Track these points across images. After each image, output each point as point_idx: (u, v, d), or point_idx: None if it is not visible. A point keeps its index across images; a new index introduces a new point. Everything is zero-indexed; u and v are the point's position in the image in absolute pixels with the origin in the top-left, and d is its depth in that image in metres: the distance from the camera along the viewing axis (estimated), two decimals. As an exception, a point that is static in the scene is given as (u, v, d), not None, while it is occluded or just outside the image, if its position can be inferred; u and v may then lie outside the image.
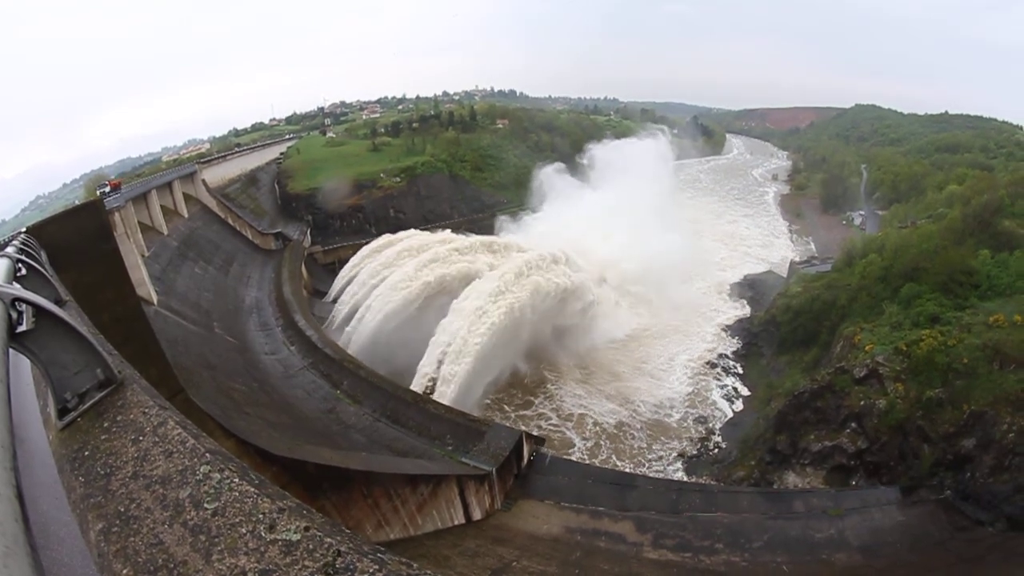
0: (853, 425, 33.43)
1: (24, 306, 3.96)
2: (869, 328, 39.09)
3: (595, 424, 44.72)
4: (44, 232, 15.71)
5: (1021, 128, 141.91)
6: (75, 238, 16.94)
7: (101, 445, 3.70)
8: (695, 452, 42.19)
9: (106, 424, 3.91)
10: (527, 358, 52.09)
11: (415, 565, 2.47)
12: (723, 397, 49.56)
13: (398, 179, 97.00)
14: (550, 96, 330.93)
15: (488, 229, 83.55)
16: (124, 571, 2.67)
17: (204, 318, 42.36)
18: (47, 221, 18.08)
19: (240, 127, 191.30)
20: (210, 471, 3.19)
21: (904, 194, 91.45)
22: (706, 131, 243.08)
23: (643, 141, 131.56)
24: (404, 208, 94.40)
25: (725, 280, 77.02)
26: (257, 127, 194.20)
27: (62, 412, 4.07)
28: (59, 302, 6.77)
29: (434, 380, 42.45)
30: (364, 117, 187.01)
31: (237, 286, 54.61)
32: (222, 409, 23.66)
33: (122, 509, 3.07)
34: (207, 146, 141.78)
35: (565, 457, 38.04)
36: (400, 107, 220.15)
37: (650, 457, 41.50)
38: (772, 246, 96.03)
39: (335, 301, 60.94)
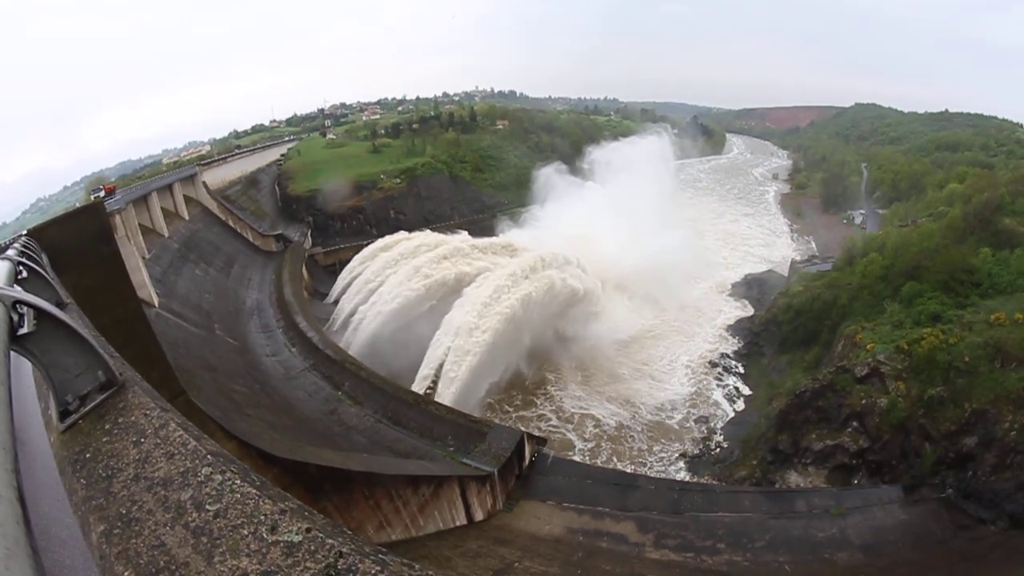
0: (855, 424, 33.41)
1: (25, 309, 3.97)
2: (870, 327, 39.05)
3: (596, 426, 44.68)
4: (45, 235, 15.75)
5: (1021, 126, 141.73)
6: (76, 241, 16.98)
7: (102, 447, 3.70)
8: (697, 452, 42.15)
9: (107, 426, 3.91)
10: (528, 359, 52.06)
11: (417, 566, 2.47)
12: (724, 397, 49.51)
13: (398, 180, 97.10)
14: (550, 96, 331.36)
15: (489, 230, 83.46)
16: (126, 573, 2.67)
17: (205, 320, 42.36)
18: (48, 224, 18.12)
19: (240, 129, 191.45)
20: (212, 473, 3.19)
21: (904, 193, 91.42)
22: (706, 131, 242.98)
23: (643, 141, 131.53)
24: (404, 209, 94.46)
25: (726, 279, 77.03)
26: (257, 129, 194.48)
27: (63, 414, 4.08)
28: (60, 304, 6.77)
29: (435, 381, 42.44)
30: (364, 118, 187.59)
31: (238, 288, 54.62)
32: (223, 411, 23.66)
33: (124, 511, 3.07)
34: (207, 148, 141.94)
35: (566, 458, 38.05)
36: (400, 108, 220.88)
37: (651, 459, 41.45)
38: (773, 245, 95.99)
39: (336, 302, 61.01)
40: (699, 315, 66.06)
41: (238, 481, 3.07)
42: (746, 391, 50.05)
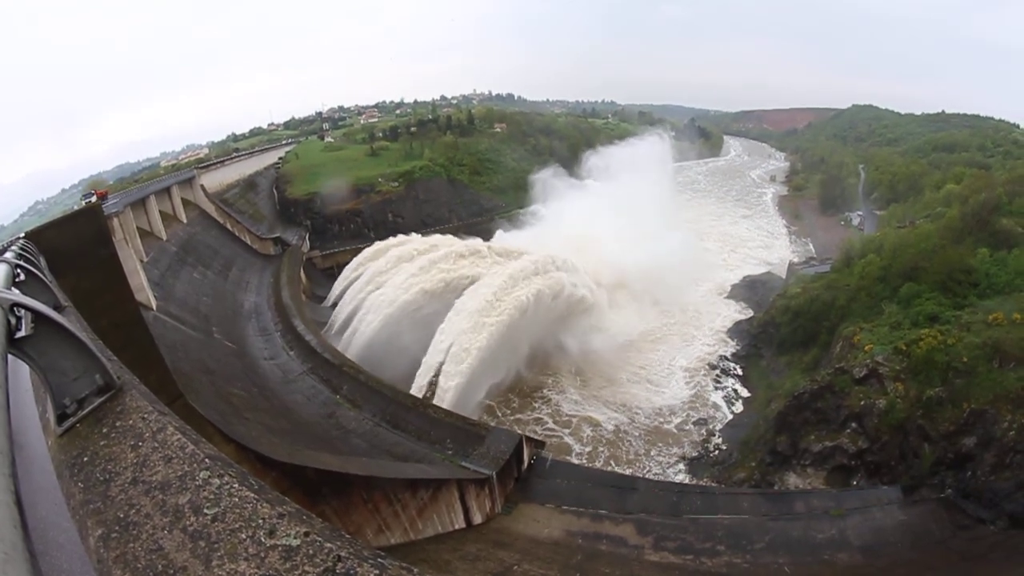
0: (853, 425, 33.43)
1: (23, 312, 3.96)
2: (868, 328, 39.11)
3: (593, 430, 44.62)
4: (43, 237, 15.74)
5: (1018, 127, 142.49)
6: (74, 243, 16.98)
7: (100, 451, 3.69)
8: (696, 454, 42.15)
9: (105, 430, 3.90)
10: (525, 363, 52.10)
11: (415, 570, 2.46)
12: (723, 399, 49.52)
13: (396, 183, 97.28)
14: (548, 99, 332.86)
15: (487, 233, 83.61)
16: (123, 577, 2.66)
17: (203, 323, 42.31)
18: (46, 226, 18.11)
19: (239, 132, 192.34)
20: (209, 476, 3.18)
21: (902, 194, 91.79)
22: (704, 133, 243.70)
23: (642, 144, 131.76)
24: (402, 212, 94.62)
25: (725, 282, 77.11)
26: (256, 132, 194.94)
27: (61, 418, 4.07)
28: (58, 308, 6.76)
29: (434, 384, 42.41)
30: (362, 122, 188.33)
31: (236, 291, 54.57)
32: (221, 414, 23.63)
33: (121, 515, 3.06)
34: (206, 151, 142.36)
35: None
36: (398, 111, 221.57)
37: (649, 463, 41.38)
38: (771, 247, 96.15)
39: (334, 306, 60.99)
40: (698, 317, 66.09)
41: (236, 485, 3.07)
42: (745, 393, 50.07)
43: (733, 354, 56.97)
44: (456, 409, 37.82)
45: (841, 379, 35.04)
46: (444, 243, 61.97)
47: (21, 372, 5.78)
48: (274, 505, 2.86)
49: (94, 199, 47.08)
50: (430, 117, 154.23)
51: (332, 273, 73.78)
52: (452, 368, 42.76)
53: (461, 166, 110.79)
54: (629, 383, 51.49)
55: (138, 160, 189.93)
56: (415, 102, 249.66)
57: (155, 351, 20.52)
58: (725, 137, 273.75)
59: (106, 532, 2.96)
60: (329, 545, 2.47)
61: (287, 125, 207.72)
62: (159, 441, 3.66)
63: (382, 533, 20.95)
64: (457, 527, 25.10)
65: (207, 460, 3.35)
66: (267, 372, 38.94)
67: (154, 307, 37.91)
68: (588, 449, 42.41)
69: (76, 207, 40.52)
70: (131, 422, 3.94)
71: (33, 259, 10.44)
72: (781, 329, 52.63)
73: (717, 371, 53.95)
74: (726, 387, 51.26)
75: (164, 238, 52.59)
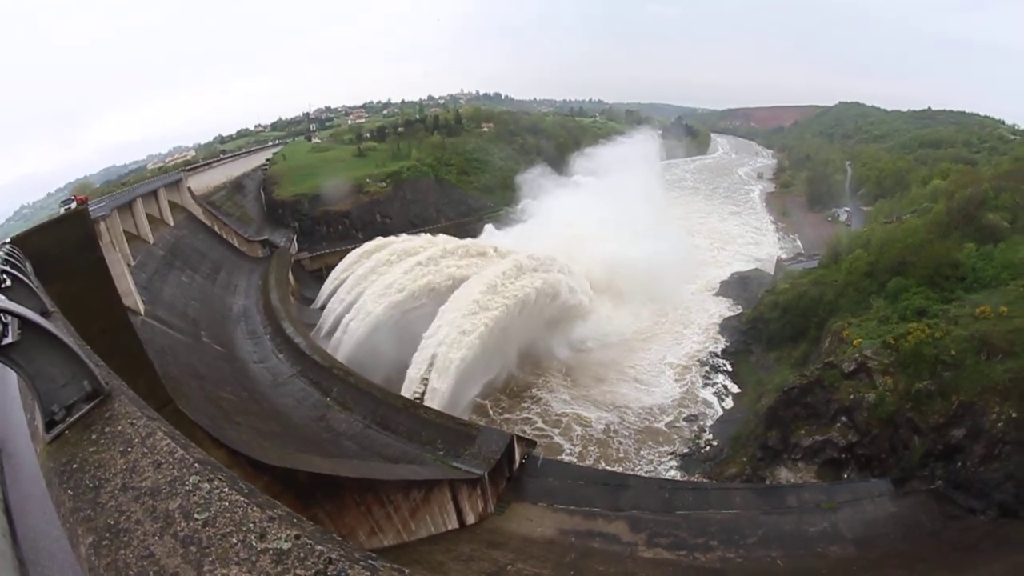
0: (843, 419, 33.60)
1: (9, 318, 3.94)
2: (857, 323, 39.30)
3: (583, 429, 44.57)
4: (29, 242, 15.63)
5: (1003, 123, 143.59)
6: (60, 248, 16.86)
7: (89, 457, 3.68)
8: (687, 450, 42.27)
9: (94, 436, 3.89)
10: (515, 363, 52.12)
11: (407, 571, 2.46)
12: (713, 395, 49.68)
13: (384, 184, 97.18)
14: (535, 99, 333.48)
15: (475, 233, 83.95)
16: (115, 584, 2.66)
17: (192, 327, 42.08)
18: (32, 231, 17.98)
19: (226, 134, 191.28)
20: (199, 481, 3.18)
21: (889, 190, 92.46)
22: (691, 131, 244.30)
23: (630, 142, 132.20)
24: (390, 213, 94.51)
25: (714, 278, 77.33)
26: (243, 133, 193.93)
27: (49, 425, 4.05)
28: (45, 313, 6.73)
29: (424, 385, 42.33)
30: (349, 122, 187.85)
31: (224, 294, 54.30)
32: (211, 419, 23.52)
33: (112, 522, 3.05)
34: (192, 153, 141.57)
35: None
36: (385, 112, 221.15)
37: (640, 461, 41.40)
38: (759, 244, 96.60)
39: (323, 308, 60.77)
40: (687, 314, 66.28)
41: (226, 489, 3.06)
42: (735, 389, 50.26)
43: (723, 350, 57.16)
44: (446, 410, 37.82)
45: (830, 374, 35.22)
46: (433, 243, 61.86)
47: (8, 379, 5.75)
48: (264, 509, 2.86)
49: (74, 205, 46.14)
50: (417, 117, 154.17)
51: (320, 275, 73.53)
52: (441, 369, 42.68)
53: (449, 166, 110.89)
54: (619, 382, 51.47)
55: (125, 163, 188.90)
56: (402, 102, 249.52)
57: (143, 356, 20.39)
58: (712, 135, 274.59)
59: (97, 539, 2.95)
60: (320, 548, 2.48)
61: (274, 126, 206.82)
62: (148, 447, 3.65)
63: (375, 535, 20.91)
64: (450, 528, 25.10)
65: (197, 465, 3.34)
66: (257, 375, 38.79)
67: (142, 311, 37.66)
68: (578, 449, 42.37)
69: (55, 214, 39.94)
70: (120, 428, 3.93)
71: (19, 264, 10.36)
72: (770, 325, 52.85)
73: (707, 368, 54.12)
74: (716, 383, 51.42)
75: (151, 241, 52.25)
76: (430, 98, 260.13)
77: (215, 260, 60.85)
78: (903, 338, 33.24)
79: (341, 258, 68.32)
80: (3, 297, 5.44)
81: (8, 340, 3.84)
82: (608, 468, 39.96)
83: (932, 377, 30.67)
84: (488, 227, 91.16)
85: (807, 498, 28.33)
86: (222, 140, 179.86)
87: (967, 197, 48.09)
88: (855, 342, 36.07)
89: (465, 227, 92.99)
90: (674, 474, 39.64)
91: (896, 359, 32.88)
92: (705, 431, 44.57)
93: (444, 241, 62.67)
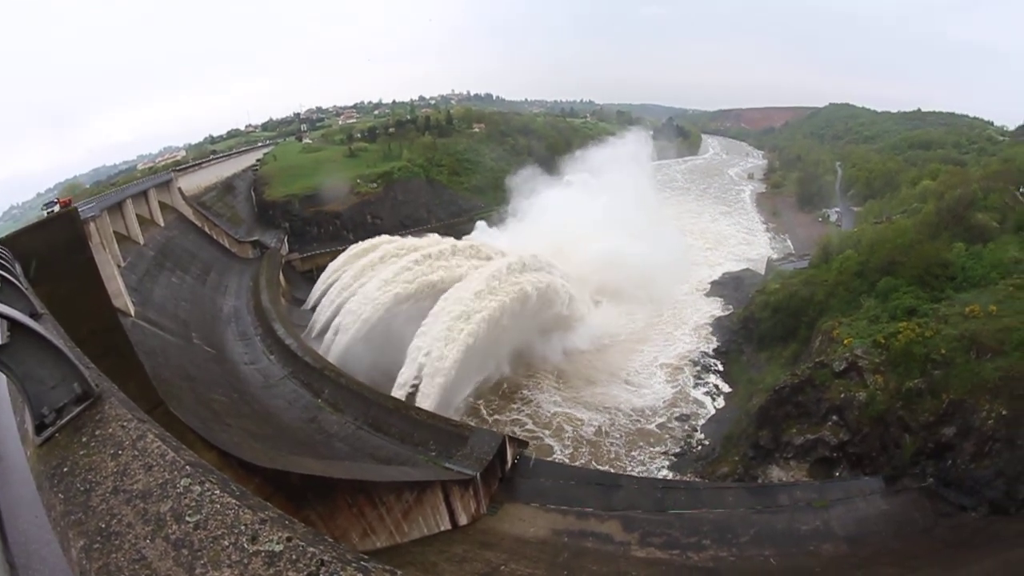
0: (834, 418, 33.77)
1: (-2, 320, 3.92)
2: (847, 322, 39.49)
3: (574, 431, 44.57)
4: (18, 243, 15.54)
5: (992, 124, 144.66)
6: (50, 249, 16.77)
7: (80, 460, 3.66)
8: (679, 450, 42.38)
9: (85, 439, 3.87)
10: (506, 364, 52.15)
11: (399, 573, 2.46)
12: (705, 395, 49.86)
13: (375, 185, 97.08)
14: (526, 99, 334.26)
15: (466, 233, 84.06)
16: (106, 588, 2.65)
17: (182, 329, 41.90)
18: (21, 232, 17.87)
19: (216, 134, 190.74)
20: (191, 484, 3.17)
21: (879, 190, 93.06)
22: (682, 132, 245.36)
23: (621, 143, 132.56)
24: (381, 214, 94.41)
25: (704, 278, 77.71)
26: (233, 134, 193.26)
27: (40, 428, 4.03)
28: (34, 315, 6.69)
29: (415, 386, 42.25)
30: (340, 123, 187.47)
31: (215, 295, 54.11)
32: (202, 421, 23.43)
33: (103, 525, 3.04)
34: (183, 153, 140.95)
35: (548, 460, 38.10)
36: (376, 112, 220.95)
37: (631, 463, 41.42)
38: (750, 244, 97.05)
39: (314, 309, 60.59)
40: (678, 314, 66.49)
41: (217, 491, 3.05)
42: (726, 388, 50.46)
43: (714, 350, 57.38)
44: (439, 410, 37.82)
45: (821, 373, 35.39)
46: (424, 244, 61.75)
47: (-3, 382, 5.71)
48: (256, 511, 2.86)
49: (57, 208, 45.22)
50: (408, 118, 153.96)
51: (311, 276, 73.42)
52: (432, 370, 42.61)
53: (440, 166, 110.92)
54: (610, 383, 51.51)
55: (115, 163, 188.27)
56: (393, 103, 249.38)
57: (134, 358, 20.30)
58: (703, 136, 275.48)
59: (88, 543, 2.93)
60: (312, 550, 2.47)
61: (265, 126, 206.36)
62: (139, 449, 3.64)
63: (368, 537, 20.86)
64: (443, 529, 25.06)
65: (188, 467, 3.33)
66: (248, 377, 38.67)
67: (132, 313, 37.49)
68: (569, 451, 42.36)
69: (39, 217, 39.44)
70: (111, 430, 3.91)
71: (8, 266, 10.30)
72: (761, 325, 53.05)
73: (698, 367, 54.32)
74: (707, 383, 51.61)
75: (141, 242, 51.98)
76: (421, 99, 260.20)
77: (205, 261, 60.62)
78: (893, 337, 33.44)
79: (332, 259, 68.14)
80: (-8, 299, 5.41)
81: (-3, 342, 3.82)
82: (600, 468, 40.04)
83: (922, 376, 30.87)
84: (480, 224, 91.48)
85: (799, 496, 28.47)
86: (212, 140, 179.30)
87: (956, 197, 48.44)
88: (846, 341, 36.24)
89: (456, 227, 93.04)
90: (666, 474, 39.73)
91: (886, 358, 33.07)
92: (697, 430, 44.73)
93: (437, 241, 62.62)
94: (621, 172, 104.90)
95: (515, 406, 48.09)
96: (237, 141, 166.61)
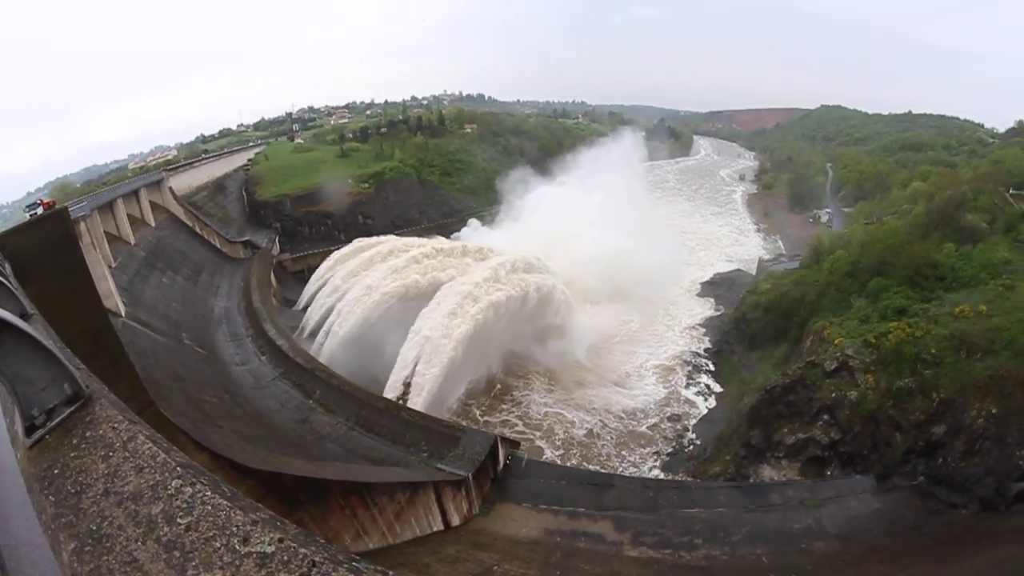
0: (825, 417, 33.93)
1: (-13, 321, 3.89)
2: (838, 322, 39.66)
3: (565, 432, 44.50)
4: (8, 243, 15.45)
5: (982, 126, 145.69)
6: (40, 249, 16.67)
7: (71, 462, 3.64)
8: (670, 450, 42.45)
9: (75, 441, 3.85)
10: (497, 365, 52.13)
11: (391, 573, 2.47)
12: (696, 394, 49.95)
13: (367, 185, 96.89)
14: (518, 100, 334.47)
15: (456, 232, 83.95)
16: (97, 591, 2.64)
17: (173, 329, 41.69)
18: (10, 232, 17.76)
19: (208, 133, 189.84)
20: (182, 485, 3.16)
21: (869, 191, 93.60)
22: (674, 133, 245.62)
23: (613, 144, 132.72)
24: (373, 214, 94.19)
25: (696, 279, 78.06)
26: (225, 133, 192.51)
27: (30, 430, 4.01)
28: (24, 316, 6.66)
29: (407, 386, 42.15)
30: (332, 123, 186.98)
31: (206, 296, 53.85)
32: (194, 422, 23.33)
33: (94, 527, 3.03)
34: (174, 153, 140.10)
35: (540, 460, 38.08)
36: (368, 112, 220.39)
37: (622, 464, 41.39)
38: (741, 244, 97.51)
39: (305, 309, 60.33)
40: (669, 315, 66.62)
41: (209, 493, 3.05)
42: (717, 388, 50.59)
43: (705, 350, 57.58)
44: (430, 410, 37.76)
45: (812, 372, 35.55)
46: (416, 244, 61.63)
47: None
48: (247, 512, 2.85)
49: (40, 211, 44.79)
50: (400, 118, 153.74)
51: (303, 276, 73.07)
52: (424, 370, 42.50)
53: (431, 167, 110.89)
54: (601, 385, 51.47)
55: (106, 162, 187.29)
56: (386, 103, 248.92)
57: (125, 359, 20.19)
58: (695, 137, 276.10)
59: (79, 546, 2.93)
60: (304, 551, 2.47)
61: (257, 126, 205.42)
62: (130, 451, 3.62)
63: (360, 538, 20.82)
64: (435, 529, 25.06)
65: (179, 469, 3.32)
66: (239, 378, 38.50)
67: (123, 314, 37.28)
68: (560, 452, 42.29)
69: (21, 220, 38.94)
70: (101, 432, 3.89)
71: (-3, 266, 10.24)
72: (752, 325, 53.21)
73: (690, 367, 54.46)
74: (699, 383, 51.73)
75: (132, 242, 51.69)
76: (413, 99, 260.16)
77: (197, 261, 60.33)
78: (884, 337, 33.66)
79: (323, 259, 67.84)
80: (-19, 300, 5.38)
81: (-14, 344, 3.80)
82: (592, 468, 40.04)
83: (913, 375, 31.09)
84: (473, 222, 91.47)
85: (791, 495, 28.61)
86: (204, 140, 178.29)
87: (947, 199, 48.70)
88: (836, 341, 36.41)
89: (448, 228, 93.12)
90: (658, 473, 39.78)
91: (877, 357, 33.27)
92: (688, 430, 44.82)
93: (429, 242, 62.54)
94: (613, 173, 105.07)
95: (505, 407, 48.02)
96: (229, 141, 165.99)
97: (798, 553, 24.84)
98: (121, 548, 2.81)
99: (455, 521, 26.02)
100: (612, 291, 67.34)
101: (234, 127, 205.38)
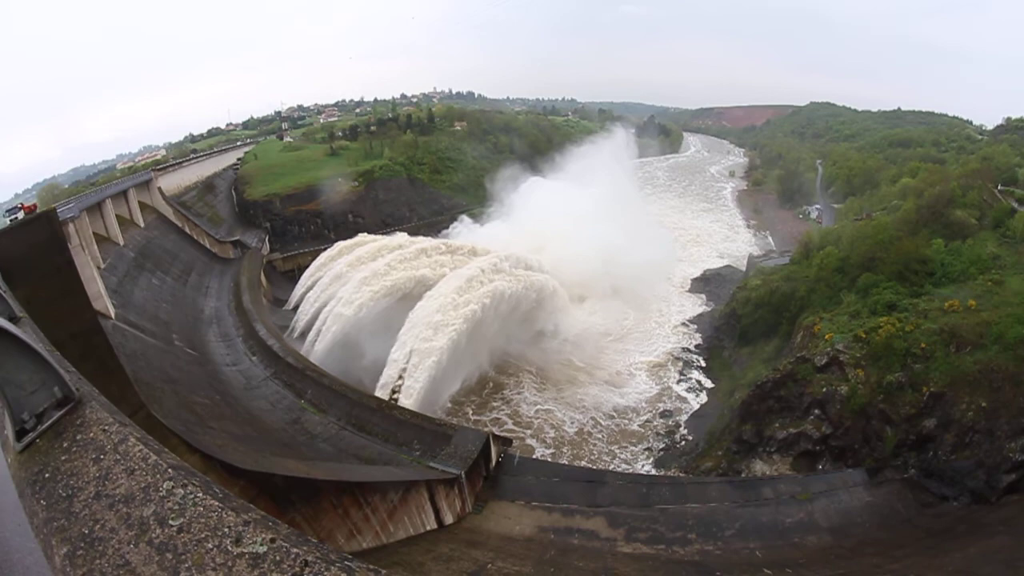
0: (816, 412, 34.10)
1: (-25, 325, 3.88)
2: (828, 317, 39.84)
3: (556, 431, 44.49)
4: (-5, 246, 15.33)
5: (971, 123, 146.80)
6: (28, 251, 16.59)
7: (62, 466, 3.63)
8: (663, 446, 42.55)
9: (66, 444, 3.84)
10: (488, 363, 52.11)
11: (383, 572, 2.48)
12: (688, 391, 50.04)
13: (356, 183, 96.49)
14: (508, 97, 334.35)
15: (445, 230, 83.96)
16: (91, 595, 2.64)
17: (163, 330, 41.50)
18: (-2, 233, 17.61)
19: (196, 133, 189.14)
20: (173, 487, 3.16)
21: (859, 188, 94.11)
22: (664, 130, 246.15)
23: (603, 141, 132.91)
24: (363, 213, 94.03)
25: (686, 275, 78.14)
26: (214, 132, 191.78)
27: (20, 433, 3.99)
28: (13, 318, 6.63)
29: (398, 385, 42.10)
30: (322, 121, 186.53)
31: (196, 296, 53.64)
32: (185, 424, 23.25)
33: (86, 531, 3.03)
34: (163, 153, 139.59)
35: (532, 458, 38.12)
36: (358, 110, 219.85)
37: (613, 461, 41.42)
38: (731, 240, 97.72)
39: (295, 309, 60.19)
40: (660, 312, 66.73)
41: (200, 494, 3.05)
42: (708, 384, 50.72)
43: (696, 346, 57.75)
44: (422, 409, 37.71)
45: (803, 367, 35.72)
46: (406, 242, 61.55)
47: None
48: (239, 512, 2.86)
49: (21, 215, 44.39)
50: (390, 116, 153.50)
51: (293, 276, 72.91)
52: (415, 369, 42.46)
53: (421, 165, 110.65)
54: (592, 383, 51.39)
55: (94, 163, 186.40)
56: (375, 101, 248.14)
57: (115, 361, 20.09)
58: (685, 134, 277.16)
59: (71, 550, 2.92)
60: (296, 551, 2.48)
61: (246, 125, 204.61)
62: (121, 453, 3.62)
63: (354, 537, 20.78)
64: (429, 528, 25.02)
65: (170, 470, 3.32)
66: (230, 379, 38.36)
67: (113, 315, 37.08)
68: (551, 451, 42.24)
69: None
70: (92, 435, 3.88)
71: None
72: (742, 320, 53.41)
73: (681, 364, 54.57)
74: (690, 379, 51.85)
75: (121, 243, 51.44)
76: (403, 97, 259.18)
77: (186, 261, 60.08)
78: (874, 332, 33.86)
79: (313, 258, 67.85)
80: (-31, 303, 5.35)
81: (-26, 347, 3.78)
82: (584, 464, 40.07)
83: (903, 369, 31.31)
84: (464, 217, 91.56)
85: (783, 490, 28.75)
86: (193, 139, 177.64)
87: (936, 195, 49.02)
88: (827, 336, 36.60)
89: (438, 226, 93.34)
90: (650, 470, 39.86)
91: (867, 352, 33.46)
92: (680, 426, 44.93)
93: (420, 240, 62.47)
94: (604, 169, 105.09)
95: (496, 405, 47.92)
96: (218, 140, 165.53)
97: (791, 547, 24.98)
98: (113, 551, 2.81)
99: (448, 519, 26.00)
100: (603, 288, 67.33)
101: (223, 126, 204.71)
